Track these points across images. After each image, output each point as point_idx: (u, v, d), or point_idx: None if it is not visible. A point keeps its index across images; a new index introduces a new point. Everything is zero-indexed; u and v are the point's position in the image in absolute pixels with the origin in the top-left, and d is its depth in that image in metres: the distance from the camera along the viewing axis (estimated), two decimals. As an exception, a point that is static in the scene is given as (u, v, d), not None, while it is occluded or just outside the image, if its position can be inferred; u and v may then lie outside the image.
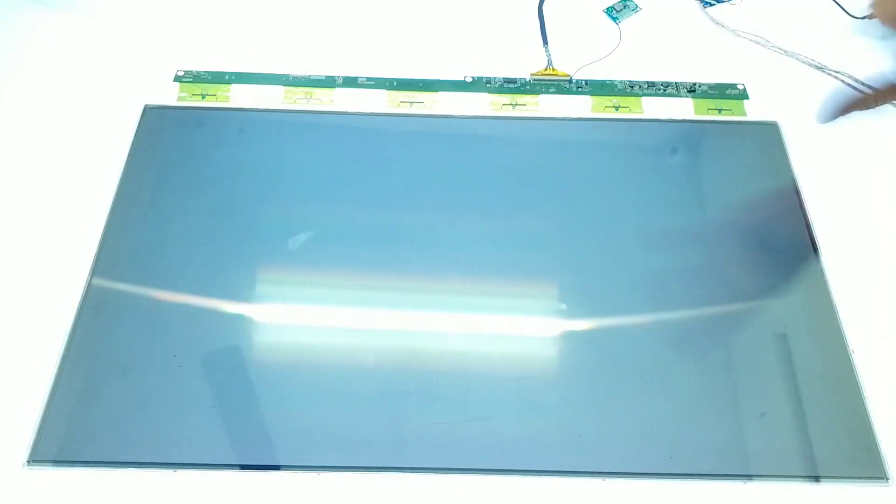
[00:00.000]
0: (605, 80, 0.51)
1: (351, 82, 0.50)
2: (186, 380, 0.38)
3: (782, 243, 0.44)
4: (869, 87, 0.49)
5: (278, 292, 0.42)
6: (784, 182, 0.46)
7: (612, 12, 0.55)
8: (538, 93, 0.50)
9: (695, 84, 0.50)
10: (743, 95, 0.50)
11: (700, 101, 0.50)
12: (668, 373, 0.39)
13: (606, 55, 0.52)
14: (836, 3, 0.54)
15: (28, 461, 0.36)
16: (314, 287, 0.42)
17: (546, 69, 0.51)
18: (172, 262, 0.42)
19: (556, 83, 0.50)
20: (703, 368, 0.39)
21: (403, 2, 0.55)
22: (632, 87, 0.50)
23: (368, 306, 0.41)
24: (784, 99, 0.50)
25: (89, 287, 0.41)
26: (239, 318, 0.41)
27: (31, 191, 0.45)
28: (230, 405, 0.38)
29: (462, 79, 0.51)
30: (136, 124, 0.48)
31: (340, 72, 0.51)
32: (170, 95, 0.49)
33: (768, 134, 0.48)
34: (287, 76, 0.50)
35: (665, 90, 0.50)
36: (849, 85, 0.50)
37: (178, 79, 0.50)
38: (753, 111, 0.49)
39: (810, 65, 0.52)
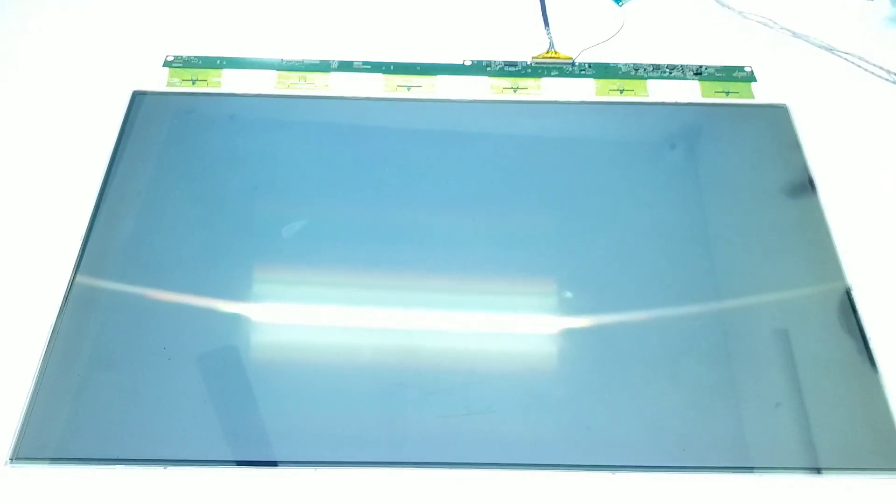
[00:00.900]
0: (608, 63, 0.49)
1: (346, 66, 0.49)
2: (177, 375, 0.37)
3: (793, 230, 0.42)
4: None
5: (271, 286, 0.40)
6: (795, 171, 0.44)
7: (614, -6, 0.53)
8: (540, 76, 0.48)
9: (701, 66, 0.49)
10: (751, 78, 0.48)
11: (707, 83, 0.48)
12: (676, 364, 0.37)
13: (610, 37, 0.51)
14: (846, -17, 0.52)
15: (11, 459, 0.34)
16: (308, 281, 0.40)
17: (548, 52, 0.50)
18: (161, 253, 0.41)
19: (558, 66, 0.49)
20: (712, 359, 0.38)
21: (400, -16, 0.53)
22: (636, 69, 0.49)
23: (366, 299, 0.40)
24: (793, 81, 0.48)
25: (74, 280, 0.39)
26: (231, 313, 0.39)
27: (15, 180, 0.43)
28: (222, 401, 0.36)
29: (461, 62, 0.49)
30: (125, 111, 0.46)
31: (335, 55, 0.49)
32: (159, 81, 0.48)
33: (777, 117, 0.46)
34: (280, 60, 0.49)
35: (671, 73, 0.49)
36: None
37: (167, 64, 0.49)
38: (762, 94, 0.48)
39: (820, 46, 0.50)
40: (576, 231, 0.42)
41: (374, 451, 0.35)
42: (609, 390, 0.37)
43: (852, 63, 0.49)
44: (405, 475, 0.34)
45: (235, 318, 0.39)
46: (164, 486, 0.34)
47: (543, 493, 0.34)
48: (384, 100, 0.47)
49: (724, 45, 0.50)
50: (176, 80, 0.48)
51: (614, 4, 0.53)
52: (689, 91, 0.48)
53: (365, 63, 0.49)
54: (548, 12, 0.52)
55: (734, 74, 0.49)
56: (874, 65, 0.48)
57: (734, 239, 0.42)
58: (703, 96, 0.47)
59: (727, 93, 0.48)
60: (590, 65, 0.49)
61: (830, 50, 0.50)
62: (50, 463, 0.34)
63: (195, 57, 0.49)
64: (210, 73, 0.48)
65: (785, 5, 0.52)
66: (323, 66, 0.49)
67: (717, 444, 0.35)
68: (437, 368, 0.37)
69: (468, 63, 0.49)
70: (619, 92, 0.48)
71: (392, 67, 0.49)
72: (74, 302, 0.39)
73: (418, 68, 0.49)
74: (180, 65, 0.49)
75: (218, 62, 0.49)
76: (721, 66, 0.49)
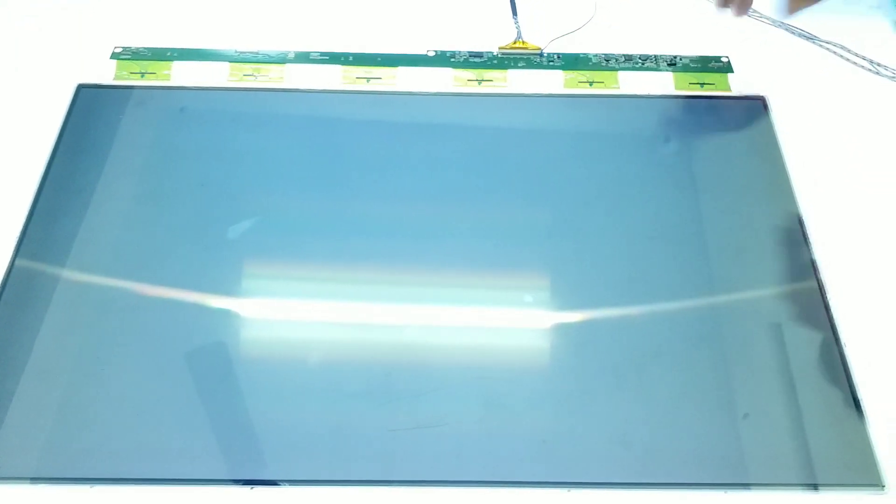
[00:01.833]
0: (578, 54, 0.47)
1: (303, 57, 0.46)
2: (111, 383, 0.34)
3: (769, 226, 0.40)
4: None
5: (218, 285, 0.38)
6: (772, 161, 0.42)
7: (587, -19, 0.51)
8: (506, 67, 0.46)
9: (675, 57, 0.47)
10: (727, 69, 0.46)
11: (681, 75, 0.46)
12: (644, 371, 0.35)
13: (580, 27, 0.48)
14: (828, -31, 0.50)
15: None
16: (253, 279, 0.38)
17: (515, 42, 0.47)
18: (105, 252, 0.39)
19: (525, 57, 0.47)
20: (684, 366, 0.35)
21: (363, -28, 0.51)
22: (607, 60, 0.46)
23: (313, 299, 0.38)
24: (771, 72, 0.46)
25: (9, 278, 0.37)
26: (178, 315, 0.37)
27: (-51, 177, 0.41)
28: (150, 412, 0.34)
29: (424, 53, 0.47)
30: (69, 104, 0.44)
31: (291, 46, 0.47)
32: (106, 73, 0.46)
33: (755, 109, 0.44)
34: (233, 52, 0.46)
35: (643, 64, 0.46)
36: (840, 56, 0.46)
37: (114, 55, 0.46)
38: (739, 85, 0.45)
39: (800, 36, 0.48)
40: (538, 227, 0.40)
41: (316, 467, 0.32)
42: (569, 399, 0.34)
43: (834, 53, 0.47)
44: (351, 493, 0.32)
45: (178, 324, 0.36)
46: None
47: (496, 512, 0.31)
48: (342, 92, 0.45)
49: (699, 33, 0.48)
50: (124, 72, 0.46)
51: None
52: (662, 83, 0.45)
53: (322, 54, 0.46)
54: (516, 0, 0.50)
55: (710, 65, 0.46)
56: (857, 55, 0.46)
57: (708, 236, 0.39)
58: (676, 88, 0.45)
59: (702, 84, 0.45)
60: (559, 55, 0.47)
61: (811, 39, 0.48)
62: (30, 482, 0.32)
63: (144, 48, 0.46)
64: (160, 66, 0.46)
65: (765, -7, 0.50)
66: (278, 58, 0.46)
67: (688, 459, 0.33)
68: (387, 377, 0.35)
69: (431, 53, 0.47)
70: (588, 84, 0.45)
71: (351, 58, 0.46)
72: (7, 303, 0.37)
73: (378, 59, 0.46)
74: (128, 56, 0.46)
75: (168, 54, 0.46)
76: (696, 56, 0.47)
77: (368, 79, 0.45)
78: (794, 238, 0.39)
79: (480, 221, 0.40)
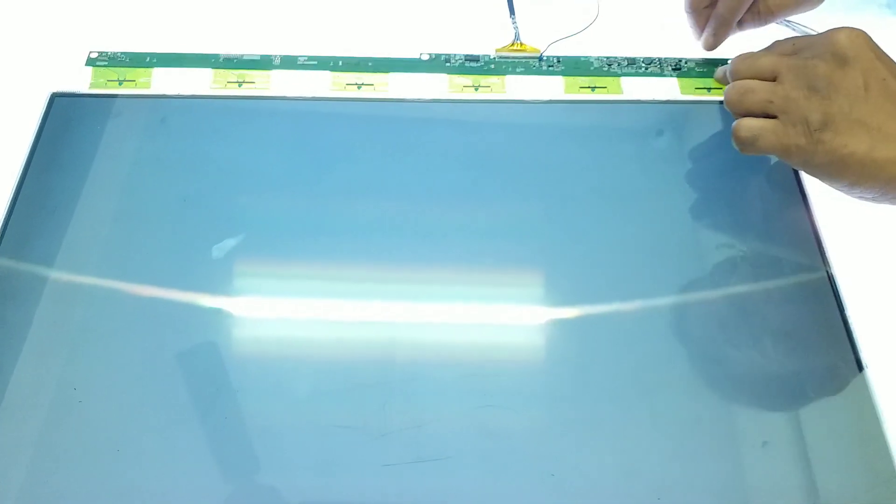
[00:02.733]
0: (579, 58, 0.45)
1: (290, 63, 0.44)
2: (88, 416, 0.32)
3: (782, 236, 0.38)
4: None
5: (200, 307, 0.36)
6: (780, 166, 0.40)
7: (587, -20, 0.49)
8: (504, 73, 0.44)
9: (680, 61, 0.45)
10: (734, 72, 0.44)
11: (686, 79, 0.44)
12: (655, 396, 0.33)
13: (582, 29, 0.46)
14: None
15: None
16: (239, 299, 0.36)
17: (513, 44, 0.45)
18: (82, 272, 0.36)
19: (524, 62, 0.44)
20: (696, 390, 0.34)
21: (352, -29, 0.49)
22: (610, 65, 0.44)
23: (303, 320, 0.36)
24: (781, 75, 0.44)
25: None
26: (154, 339, 0.35)
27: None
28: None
29: (417, 57, 0.45)
30: (42, 115, 0.42)
31: (278, 50, 0.44)
32: (81, 81, 0.43)
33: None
34: (216, 56, 0.44)
35: (647, 68, 0.44)
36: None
37: (90, 62, 0.44)
38: (747, 90, 0.43)
39: (809, 37, 0.46)
40: (535, 240, 0.38)
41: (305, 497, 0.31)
42: (579, 427, 0.33)
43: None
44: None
45: (156, 348, 0.34)
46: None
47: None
48: (332, 100, 0.43)
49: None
50: (100, 80, 0.43)
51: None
52: (667, 88, 0.43)
53: (311, 59, 0.44)
54: (514, 0, 0.47)
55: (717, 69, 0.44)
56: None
57: (718, 243, 0.38)
58: (682, 93, 0.43)
59: (709, 89, 0.44)
60: (559, 59, 0.45)
61: (821, 41, 0.46)
62: None
63: (122, 53, 0.44)
64: (138, 73, 0.43)
65: (771, -8, 0.48)
66: (264, 63, 0.44)
67: (704, 489, 0.31)
68: (383, 408, 0.33)
69: (425, 57, 0.45)
70: (590, 90, 0.43)
71: (341, 63, 0.44)
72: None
73: (370, 64, 0.44)
74: (105, 62, 0.44)
75: (147, 59, 0.44)
76: (702, 60, 0.45)
77: (359, 85, 0.43)
78: (807, 247, 0.37)
79: (476, 237, 0.38)
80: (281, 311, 0.36)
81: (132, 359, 0.34)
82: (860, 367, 0.34)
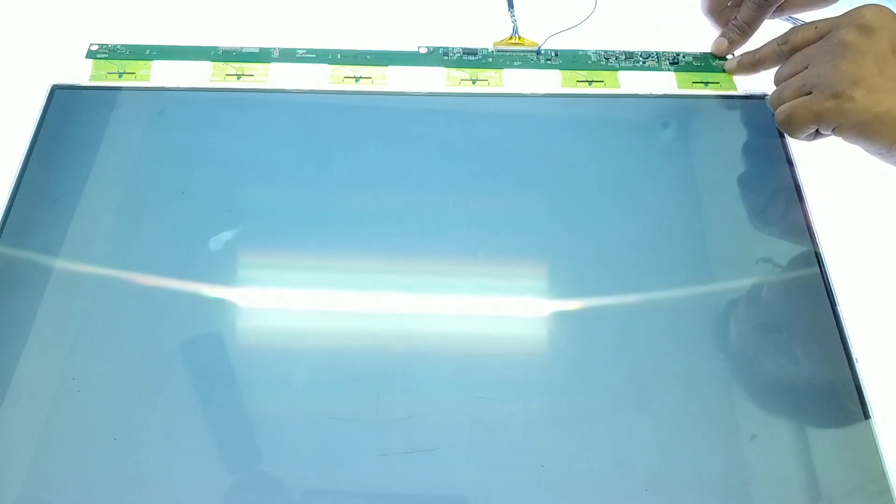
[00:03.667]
0: (577, 51, 0.45)
1: (288, 55, 0.44)
2: (87, 409, 0.33)
3: (776, 232, 0.38)
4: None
5: (199, 298, 0.36)
6: (778, 164, 0.40)
7: (586, -26, 0.49)
8: (502, 66, 0.44)
9: (678, 55, 0.45)
10: (732, 66, 0.44)
11: (684, 73, 0.44)
12: (646, 388, 0.34)
13: (580, 23, 0.46)
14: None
15: None
16: (237, 292, 0.37)
17: (511, 38, 0.45)
18: (83, 264, 0.37)
19: (521, 55, 0.45)
20: (688, 383, 0.34)
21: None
22: (607, 58, 0.44)
23: (301, 311, 0.36)
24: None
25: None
26: (152, 331, 0.35)
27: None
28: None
29: (416, 50, 0.45)
30: (42, 107, 0.42)
31: (276, 43, 0.45)
32: (81, 74, 0.43)
33: (760, 109, 0.42)
34: (215, 49, 0.44)
35: (645, 62, 0.44)
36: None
37: (91, 54, 0.44)
38: (743, 84, 0.43)
39: (808, 31, 0.46)
40: (531, 236, 0.38)
41: (303, 495, 0.31)
42: (570, 418, 0.33)
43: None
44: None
45: (154, 342, 0.35)
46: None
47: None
48: (330, 92, 0.43)
49: (702, 30, 0.46)
50: (100, 72, 0.43)
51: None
52: (664, 82, 0.44)
53: (309, 52, 0.44)
54: (512, -6, 0.47)
55: (714, 63, 0.44)
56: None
57: (715, 237, 0.38)
58: (679, 87, 0.43)
59: (706, 83, 0.44)
60: (556, 52, 0.45)
61: (820, 35, 0.46)
62: None
63: (121, 46, 0.44)
64: (138, 65, 0.44)
65: (771, -14, 0.47)
66: (262, 56, 0.44)
67: (694, 482, 0.31)
68: (378, 399, 0.33)
69: (423, 50, 0.45)
70: (587, 83, 0.43)
71: (339, 56, 0.44)
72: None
73: (368, 57, 0.44)
74: (105, 55, 0.44)
75: (147, 52, 0.44)
76: (700, 54, 0.45)
77: (358, 78, 0.43)
78: (801, 240, 0.38)
79: (471, 229, 0.38)
80: (279, 303, 0.37)
81: (132, 349, 0.35)
82: (851, 362, 0.34)
